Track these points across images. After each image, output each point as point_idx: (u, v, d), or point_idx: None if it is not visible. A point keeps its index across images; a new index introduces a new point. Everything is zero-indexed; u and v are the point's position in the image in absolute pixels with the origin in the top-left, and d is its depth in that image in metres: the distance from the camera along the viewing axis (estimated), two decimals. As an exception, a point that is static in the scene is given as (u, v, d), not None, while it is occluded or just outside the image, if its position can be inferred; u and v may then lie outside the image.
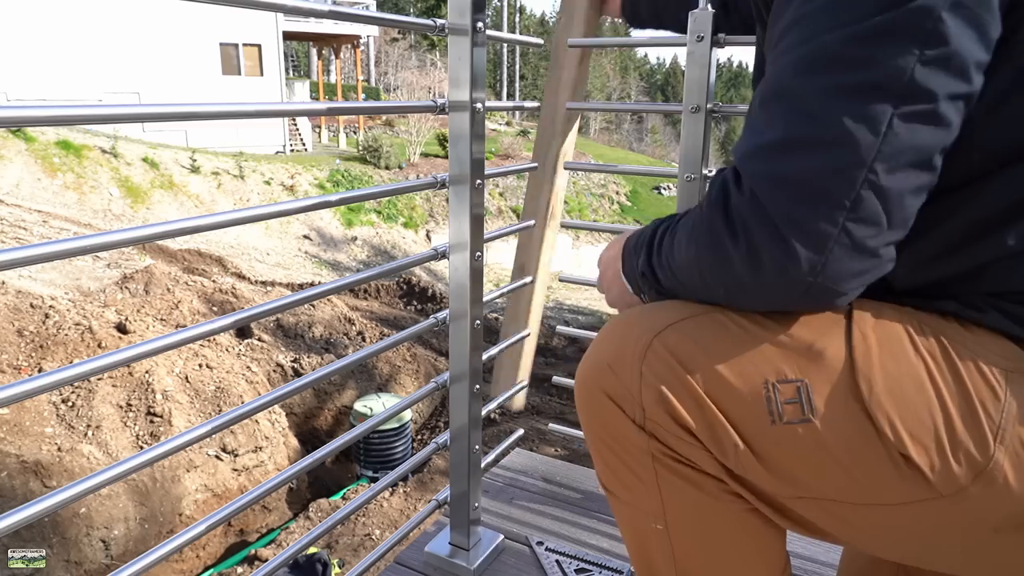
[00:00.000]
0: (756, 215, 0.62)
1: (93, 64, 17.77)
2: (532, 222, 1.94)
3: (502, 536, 1.49)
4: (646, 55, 77.54)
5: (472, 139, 1.16)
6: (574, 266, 19.65)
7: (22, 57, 16.99)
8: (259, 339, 6.00)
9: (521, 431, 1.93)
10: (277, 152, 20.52)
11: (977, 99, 0.60)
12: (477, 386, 1.33)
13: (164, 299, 6.26)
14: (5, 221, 10.60)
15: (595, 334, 1.92)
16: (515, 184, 20.78)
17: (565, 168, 1.94)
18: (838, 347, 0.66)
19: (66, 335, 4.55)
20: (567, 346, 7.35)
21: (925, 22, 0.57)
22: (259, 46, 21.04)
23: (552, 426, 1.97)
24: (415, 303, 9.00)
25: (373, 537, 3.87)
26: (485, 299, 1.33)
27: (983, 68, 0.59)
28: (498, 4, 44.60)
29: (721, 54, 1.58)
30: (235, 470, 4.34)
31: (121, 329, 4.88)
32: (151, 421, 4.14)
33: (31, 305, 4.82)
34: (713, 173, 1.46)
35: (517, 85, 47.74)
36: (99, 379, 4.18)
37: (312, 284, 9.50)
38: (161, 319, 5.70)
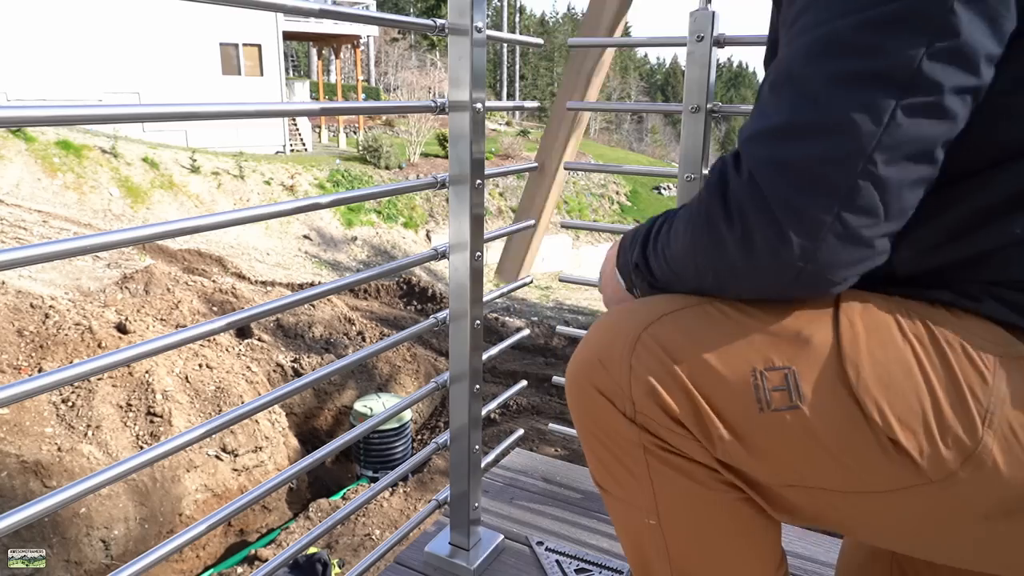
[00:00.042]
0: (752, 198, 0.62)
1: (93, 64, 17.77)
2: (532, 222, 1.94)
3: (502, 536, 1.49)
4: (646, 55, 77.53)
5: (472, 139, 1.17)
6: (574, 266, 19.65)
7: (22, 57, 16.99)
8: (259, 339, 6.00)
9: (521, 431, 1.93)
10: (277, 152, 20.52)
11: (988, 91, 0.60)
12: (477, 386, 1.33)
13: (164, 299, 6.26)
14: (5, 221, 10.60)
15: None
16: (515, 184, 20.78)
17: (565, 168, 1.94)
18: (825, 334, 0.66)
19: (66, 335, 4.55)
20: (567, 346, 7.35)
21: (937, 13, 0.56)
22: (259, 46, 21.03)
23: (552, 426, 1.97)
24: (415, 303, 9.00)
25: (373, 537, 3.87)
26: (485, 299, 1.33)
27: (994, 61, 0.59)
28: (498, 4, 44.61)
29: (721, 54, 1.58)
30: (235, 470, 4.34)
31: (121, 329, 4.88)
32: (151, 421, 4.14)
33: (31, 305, 4.82)
34: (713, 173, 1.46)
35: (517, 85, 47.75)
36: (99, 379, 4.18)
37: (312, 284, 9.50)
38: (161, 319, 5.70)
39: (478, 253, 1.24)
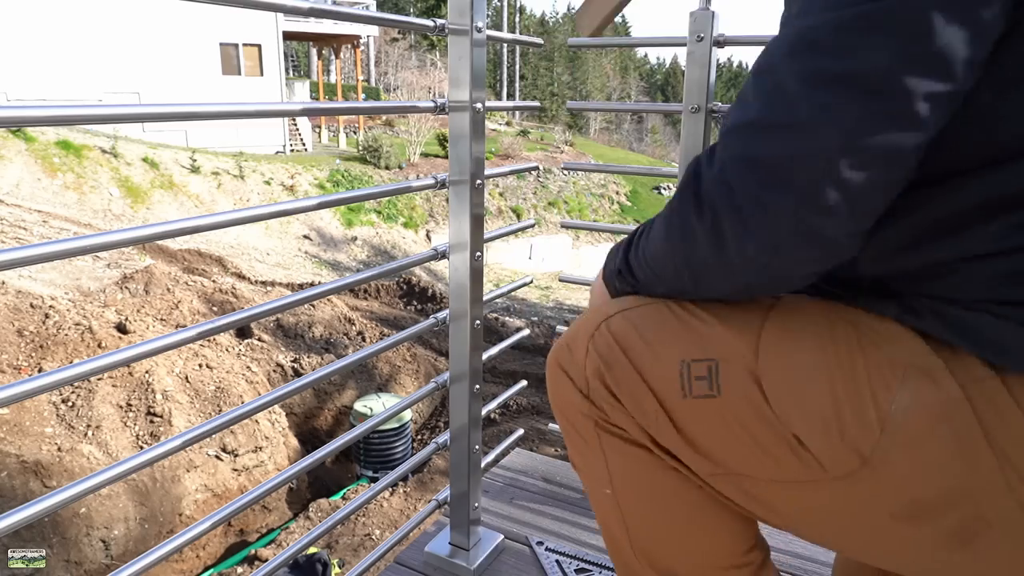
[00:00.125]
0: (721, 193, 0.64)
1: (93, 64, 17.77)
2: (532, 221, 1.94)
3: (502, 536, 1.49)
4: (646, 55, 77.50)
5: (472, 139, 1.17)
6: (574, 266, 19.65)
7: (22, 57, 16.99)
8: (259, 339, 6.00)
9: (521, 431, 1.93)
10: (277, 152, 20.52)
11: (970, 94, 0.59)
12: (477, 386, 1.33)
13: (164, 299, 6.26)
14: (5, 221, 10.60)
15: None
16: (515, 184, 20.79)
17: (565, 168, 1.93)
18: (751, 333, 0.71)
19: (66, 335, 4.55)
20: (567, 346, 7.34)
21: (911, 17, 0.55)
22: (259, 46, 21.03)
23: (552, 426, 1.97)
24: (415, 303, 9.00)
25: (373, 537, 3.87)
26: (485, 299, 1.33)
27: (974, 66, 0.57)
28: (498, 4, 44.60)
29: (721, 54, 1.58)
30: (235, 470, 4.34)
31: (121, 329, 4.88)
32: (151, 421, 4.14)
33: (31, 305, 4.82)
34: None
35: (517, 85, 47.75)
36: (99, 379, 4.18)
37: (312, 284, 9.50)
38: (161, 319, 5.70)
39: (478, 253, 1.24)
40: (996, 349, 0.61)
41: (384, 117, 26.11)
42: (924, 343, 0.65)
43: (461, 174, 1.19)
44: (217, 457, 4.29)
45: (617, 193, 23.68)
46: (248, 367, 5.19)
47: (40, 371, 4.19)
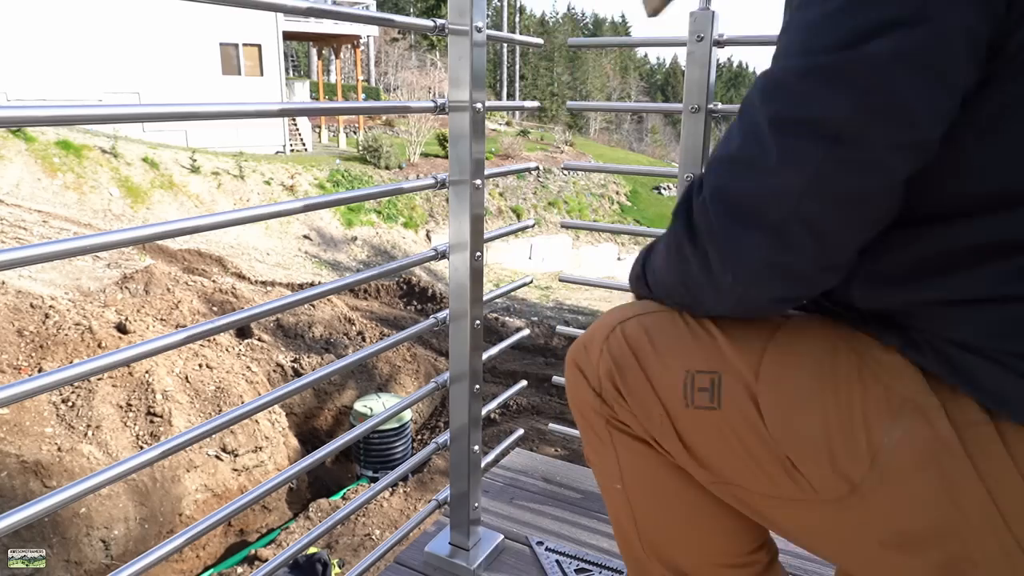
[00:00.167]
0: (703, 221, 0.67)
1: (93, 64, 17.76)
2: (532, 222, 1.94)
3: (502, 536, 1.49)
4: (646, 55, 77.48)
5: (472, 139, 1.17)
6: (574, 266, 19.64)
7: (22, 57, 16.99)
8: (259, 339, 6.00)
9: (521, 431, 1.93)
10: (277, 152, 20.52)
11: (953, 142, 0.59)
12: (477, 386, 1.33)
13: (164, 299, 6.26)
14: (5, 221, 10.60)
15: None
16: (515, 184, 20.78)
17: (565, 169, 1.93)
18: (755, 350, 0.73)
19: (66, 335, 4.55)
20: (567, 346, 7.33)
21: (871, 69, 0.56)
22: (259, 46, 21.02)
23: (552, 426, 1.97)
24: (415, 303, 9.00)
25: (373, 537, 3.87)
26: (485, 299, 1.33)
27: (940, 117, 0.57)
28: (498, 4, 44.60)
29: (721, 54, 1.58)
30: (235, 470, 4.34)
31: (121, 329, 4.88)
32: (151, 421, 4.14)
33: (31, 305, 4.82)
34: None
35: (517, 85, 47.73)
36: (99, 379, 4.18)
37: (312, 284, 9.50)
38: (161, 319, 5.70)
39: (478, 253, 1.24)
40: (996, 398, 0.61)
41: (384, 117, 26.10)
42: (924, 380, 0.65)
43: (461, 174, 1.19)
44: (217, 457, 4.29)
45: (617, 193, 23.67)
46: (248, 367, 5.19)
47: (40, 371, 4.19)
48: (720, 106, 1.42)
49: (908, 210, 0.62)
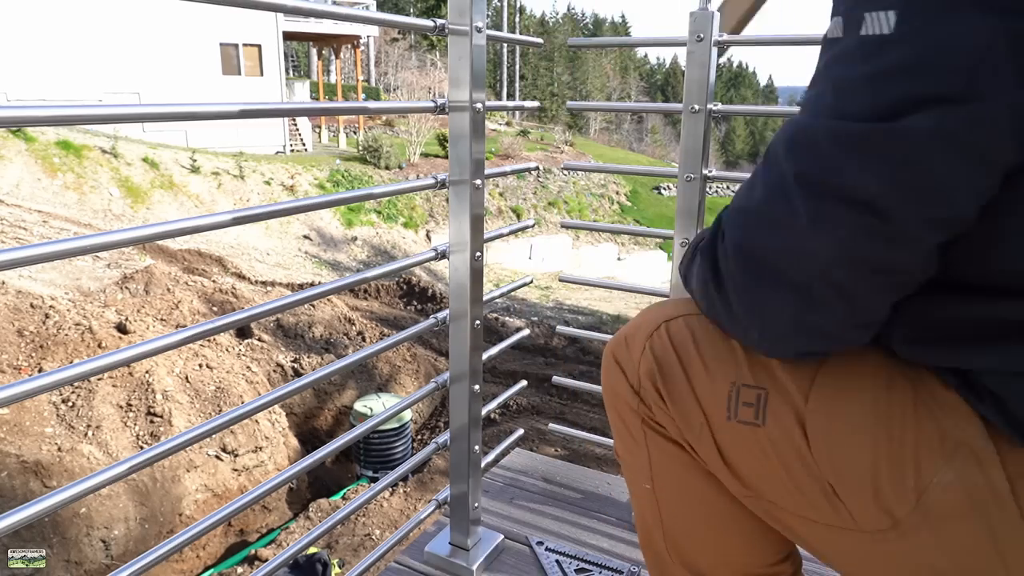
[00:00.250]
0: (729, 273, 0.67)
1: (93, 64, 17.76)
2: (532, 222, 1.94)
3: (502, 536, 1.49)
4: (646, 55, 77.46)
5: (472, 139, 1.17)
6: (574, 266, 19.64)
7: (22, 57, 16.99)
8: (259, 339, 6.00)
9: (521, 431, 1.93)
10: (277, 152, 20.51)
11: (991, 223, 0.56)
12: (477, 386, 1.33)
13: (164, 299, 6.26)
14: (5, 221, 10.60)
15: (595, 334, 1.91)
16: (515, 184, 20.78)
17: (565, 169, 1.93)
18: (807, 372, 0.70)
19: (66, 335, 4.55)
20: (567, 346, 7.35)
21: (909, 145, 0.53)
22: (259, 46, 21.02)
23: (552, 426, 1.97)
24: (415, 303, 9.00)
25: (373, 537, 3.87)
26: (485, 299, 1.33)
27: (975, 195, 0.55)
28: (498, 4, 44.58)
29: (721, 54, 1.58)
30: (235, 470, 4.34)
31: (121, 329, 4.88)
32: (151, 421, 4.14)
33: (31, 305, 4.82)
34: (713, 173, 1.46)
35: (517, 85, 47.71)
36: (99, 379, 4.18)
37: (312, 284, 9.50)
38: (161, 319, 5.69)
39: (478, 253, 1.24)
40: None
41: (384, 117, 26.09)
42: (982, 424, 0.63)
43: (461, 174, 1.19)
44: (217, 457, 4.29)
45: (617, 193, 23.67)
46: (248, 367, 5.19)
47: (40, 371, 4.19)
48: (720, 106, 1.42)
49: (946, 276, 0.60)
